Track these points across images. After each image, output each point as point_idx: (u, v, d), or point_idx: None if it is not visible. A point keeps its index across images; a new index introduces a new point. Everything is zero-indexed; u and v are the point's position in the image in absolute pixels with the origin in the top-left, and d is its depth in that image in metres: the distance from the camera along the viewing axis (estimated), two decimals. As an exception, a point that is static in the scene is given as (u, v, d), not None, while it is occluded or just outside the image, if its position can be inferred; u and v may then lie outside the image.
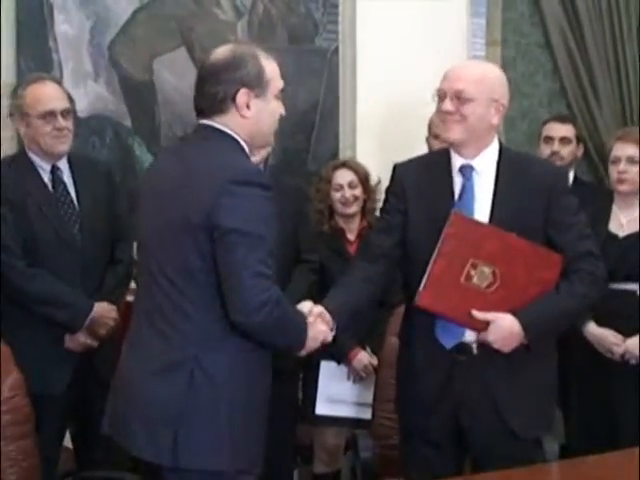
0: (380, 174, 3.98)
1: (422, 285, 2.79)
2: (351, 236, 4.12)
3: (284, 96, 2.65)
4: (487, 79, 2.87)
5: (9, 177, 3.43)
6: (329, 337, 2.79)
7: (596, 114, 4.95)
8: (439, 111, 2.91)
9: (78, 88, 4.33)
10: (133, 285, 3.47)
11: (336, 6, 4.64)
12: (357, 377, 3.98)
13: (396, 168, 3.04)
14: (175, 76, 4.48)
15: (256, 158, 3.40)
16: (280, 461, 3.73)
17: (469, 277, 2.79)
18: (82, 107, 4.26)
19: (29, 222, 3.40)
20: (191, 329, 2.49)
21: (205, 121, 2.57)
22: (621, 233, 3.86)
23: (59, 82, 3.69)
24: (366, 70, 4.65)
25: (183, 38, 4.51)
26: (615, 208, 3.92)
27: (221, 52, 2.57)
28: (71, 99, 3.55)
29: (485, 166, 2.90)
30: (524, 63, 5.01)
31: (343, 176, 4.09)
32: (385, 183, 3.17)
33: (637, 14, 4.94)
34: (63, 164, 3.53)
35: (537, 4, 4.95)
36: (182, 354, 2.49)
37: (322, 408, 3.99)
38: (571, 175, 4.34)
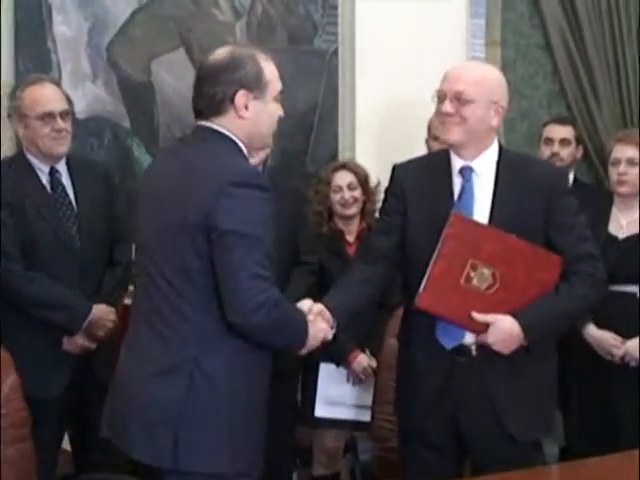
0: (379, 175, 3.98)
1: (422, 286, 2.78)
2: (350, 238, 4.11)
3: (283, 97, 2.65)
4: (487, 81, 2.86)
5: (9, 178, 3.42)
6: (329, 335, 2.79)
7: (596, 115, 4.95)
8: (438, 113, 2.90)
9: (76, 89, 4.33)
10: (131, 288, 3.46)
11: (335, 7, 4.64)
12: (356, 379, 3.98)
13: (395, 169, 3.03)
14: (174, 77, 4.47)
15: (255, 160, 3.40)
16: (279, 463, 3.73)
17: (469, 279, 2.78)
18: (80, 108, 4.25)
19: (27, 224, 3.39)
20: (189, 330, 2.49)
21: (203, 122, 2.57)
22: (621, 235, 3.86)
23: (58, 83, 3.69)
24: (365, 71, 4.64)
25: (182, 39, 4.50)
26: (615, 210, 3.92)
27: (220, 53, 2.56)
28: (70, 100, 3.54)
29: (485, 167, 2.89)
30: (524, 64, 5.00)
31: (342, 178, 4.09)
32: (384, 184, 3.17)
33: (637, 15, 4.93)
34: (61, 166, 3.52)
35: (537, 5, 4.94)
36: (181, 356, 2.48)
37: (321, 410, 3.99)
38: (571, 176, 4.34)
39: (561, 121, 4.53)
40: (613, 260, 3.56)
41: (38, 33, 4.34)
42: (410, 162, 3.06)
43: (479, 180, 2.88)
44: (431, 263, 2.78)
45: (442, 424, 2.90)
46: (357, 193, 4.08)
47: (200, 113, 2.58)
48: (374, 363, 3.86)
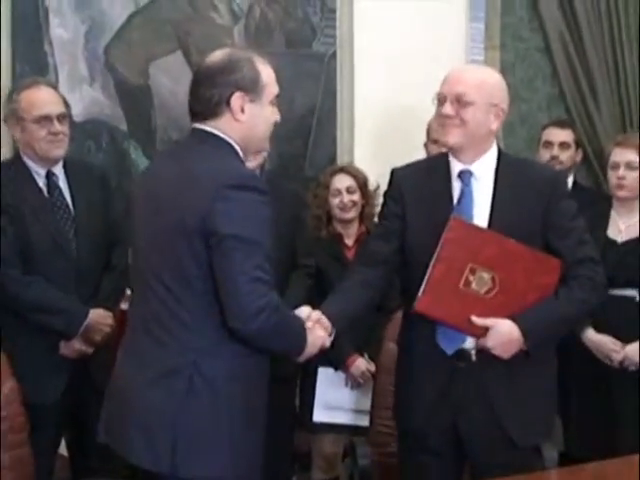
0: (378, 179, 3.97)
1: (421, 290, 2.77)
2: (349, 241, 4.10)
3: (281, 101, 2.64)
4: (487, 84, 2.86)
5: (7, 182, 3.41)
6: (327, 343, 2.79)
7: (595, 118, 4.95)
8: (438, 115, 2.89)
9: (74, 92, 4.32)
10: (128, 292, 3.44)
11: (334, 10, 4.63)
12: (355, 384, 3.97)
13: (394, 173, 3.02)
14: (171, 80, 4.46)
15: (252, 163, 3.40)
16: (278, 468, 3.72)
17: (468, 283, 2.77)
18: (78, 111, 4.25)
19: (24, 227, 3.38)
20: (188, 337, 2.47)
21: (199, 125, 2.56)
22: (619, 239, 3.85)
23: (54, 86, 3.68)
24: (364, 75, 4.64)
25: (179, 42, 4.49)
26: (614, 213, 3.91)
27: (217, 55, 2.56)
28: (66, 103, 3.54)
29: (484, 171, 2.88)
30: (523, 68, 5.00)
31: (341, 181, 4.08)
32: (383, 188, 3.16)
33: (636, 18, 4.93)
34: (58, 169, 3.51)
35: (536, 9, 4.94)
36: (180, 360, 2.47)
37: (320, 415, 3.98)
38: (570, 180, 4.33)
39: (560, 124, 4.52)
40: (612, 264, 3.55)
41: (35, 36, 4.33)
42: (409, 166, 3.05)
43: (478, 184, 2.88)
44: (430, 267, 2.77)
45: (441, 429, 2.88)
46: (356, 197, 4.07)
47: (196, 115, 2.57)
48: (372, 367, 3.85)
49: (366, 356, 3.95)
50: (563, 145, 4.39)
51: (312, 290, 3.79)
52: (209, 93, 2.51)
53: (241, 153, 2.56)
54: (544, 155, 4.39)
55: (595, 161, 4.93)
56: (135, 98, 4.49)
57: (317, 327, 2.72)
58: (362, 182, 4.09)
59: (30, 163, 3.46)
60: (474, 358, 2.84)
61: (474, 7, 4.77)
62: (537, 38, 5.00)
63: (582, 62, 4.93)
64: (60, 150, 3.46)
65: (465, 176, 2.88)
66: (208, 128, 2.54)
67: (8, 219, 3.35)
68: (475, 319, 2.77)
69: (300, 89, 4.58)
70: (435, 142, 3.86)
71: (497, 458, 2.85)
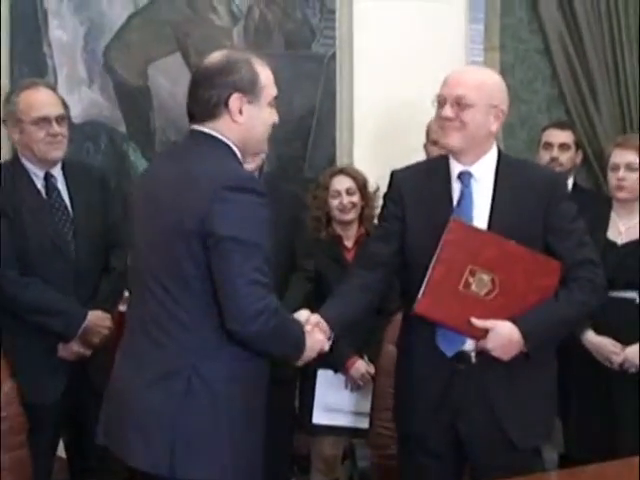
0: (378, 181, 3.96)
1: (421, 292, 2.77)
2: (348, 243, 4.10)
3: (280, 102, 2.64)
4: (487, 85, 2.86)
5: (6, 182, 3.40)
6: (326, 347, 2.79)
7: (595, 120, 4.95)
8: (438, 117, 2.89)
9: (72, 94, 4.31)
10: (126, 294, 3.44)
11: (333, 12, 4.63)
12: (354, 386, 3.96)
13: (394, 175, 3.02)
14: (170, 82, 4.46)
15: (251, 165, 3.40)
16: (277, 470, 3.71)
17: (468, 284, 2.77)
18: (76, 113, 4.25)
19: (22, 229, 3.37)
20: (187, 338, 2.47)
21: (197, 127, 2.55)
22: (619, 241, 3.84)
23: (53, 87, 3.67)
24: (363, 76, 4.64)
25: (178, 43, 4.49)
26: (614, 215, 3.90)
27: (215, 57, 2.55)
28: (65, 105, 3.53)
29: (483, 173, 2.88)
30: (523, 69, 5.01)
31: (341, 182, 4.07)
32: (383, 190, 3.15)
33: (636, 19, 4.94)
34: (57, 171, 3.50)
35: (535, 10, 4.94)
36: (179, 362, 2.46)
37: (319, 417, 3.98)
38: (570, 181, 4.33)
39: (560, 126, 4.52)
40: (612, 266, 3.54)
41: (34, 38, 4.32)
42: (409, 168, 3.05)
43: (478, 185, 2.87)
44: (430, 269, 2.77)
45: (441, 431, 2.88)
46: (355, 198, 4.06)
47: (194, 117, 2.56)
48: (372, 369, 3.84)
49: (366, 358, 3.94)
50: (563, 146, 4.39)
51: (311, 294, 3.78)
52: (207, 94, 2.51)
53: (239, 155, 2.56)
54: (544, 156, 4.38)
55: (595, 162, 4.93)
56: (134, 99, 4.48)
57: (316, 331, 2.72)
58: (362, 183, 4.08)
59: (29, 165, 3.46)
60: (474, 360, 2.84)
61: (474, 8, 4.77)
62: (537, 39, 5.01)
63: (582, 63, 4.94)
64: (59, 152, 3.45)
65: (465, 177, 2.88)
66: (206, 130, 2.53)
67: (7, 221, 3.35)
68: (475, 321, 2.76)
69: (299, 90, 4.58)
70: (435, 143, 3.86)
71: (497, 460, 2.85)
